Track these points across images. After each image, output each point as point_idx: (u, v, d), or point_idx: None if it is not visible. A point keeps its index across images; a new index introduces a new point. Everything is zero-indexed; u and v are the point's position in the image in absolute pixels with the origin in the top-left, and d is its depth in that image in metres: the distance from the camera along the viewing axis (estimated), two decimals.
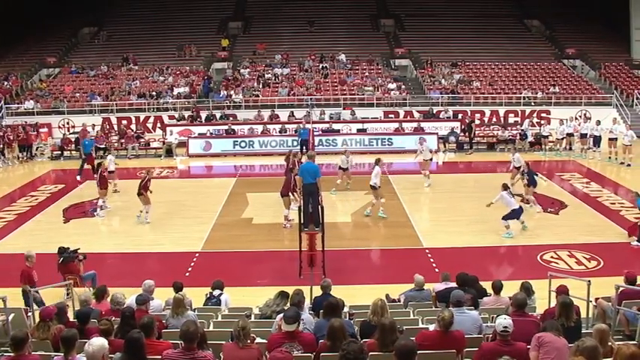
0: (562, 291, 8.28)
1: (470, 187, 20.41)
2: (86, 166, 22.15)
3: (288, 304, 8.06)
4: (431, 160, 21.21)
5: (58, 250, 11.91)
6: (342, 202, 18.61)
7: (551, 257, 13.64)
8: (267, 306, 8.53)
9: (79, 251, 12.25)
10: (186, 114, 30.18)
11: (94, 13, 42.59)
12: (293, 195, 16.44)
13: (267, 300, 8.78)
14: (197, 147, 26.72)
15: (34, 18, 39.75)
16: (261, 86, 33.96)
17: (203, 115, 29.85)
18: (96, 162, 20.47)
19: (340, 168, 19.95)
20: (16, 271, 13.12)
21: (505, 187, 15.31)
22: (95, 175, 21.32)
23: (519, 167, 18.67)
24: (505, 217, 15.03)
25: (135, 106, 31.88)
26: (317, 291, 9.62)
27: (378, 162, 17.02)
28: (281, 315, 6.96)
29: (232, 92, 32.85)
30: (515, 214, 15.08)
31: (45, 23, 40.70)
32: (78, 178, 21.58)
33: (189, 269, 13.28)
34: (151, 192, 16.59)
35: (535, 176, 17.57)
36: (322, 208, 12.71)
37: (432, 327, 7.04)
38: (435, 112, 30.15)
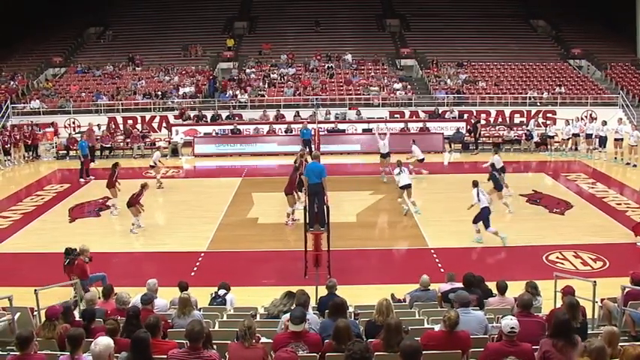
0: (568, 291, 8.26)
1: None
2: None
3: (295, 305, 8.07)
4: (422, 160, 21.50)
5: (65, 251, 11.85)
6: (348, 202, 18.58)
7: (557, 258, 13.61)
8: (274, 306, 8.53)
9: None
10: (192, 114, 30.25)
11: (100, 12, 42.78)
12: (297, 194, 16.49)
13: (273, 300, 8.78)
14: (203, 147, 26.75)
15: (40, 18, 39.95)
16: (266, 86, 34.00)
17: (208, 114, 29.91)
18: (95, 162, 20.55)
19: (381, 156, 20.47)
20: (22, 271, 13.22)
21: (475, 184, 15.17)
22: (86, 177, 21.92)
23: (501, 168, 18.53)
24: (475, 220, 14.69)
25: (140, 105, 31.96)
26: (322, 291, 9.63)
27: (400, 164, 17.46)
28: (287, 315, 6.96)
29: (238, 92, 32.91)
30: (483, 213, 14.63)
31: (51, 23, 40.88)
32: (81, 181, 21.59)
33: (195, 269, 13.30)
34: (142, 207, 16.17)
35: (498, 177, 17.31)
36: (328, 208, 12.72)
37: (437, 327, 7.04)
38: (440, 112, 30.10)
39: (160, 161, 21.18)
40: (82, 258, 11.32)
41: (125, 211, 16.21)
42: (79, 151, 22.59)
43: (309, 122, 26.83)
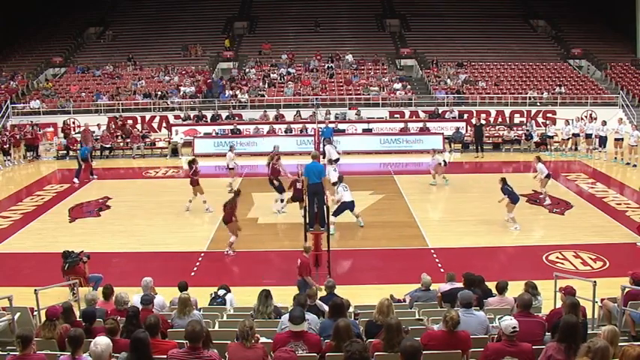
0: (569, 292, 8.25)
1: (475, 187, 20.37)
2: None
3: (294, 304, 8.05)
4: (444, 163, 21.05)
5: (63, 254, 11.70)
6: None
7: (557, 258, 13.59)
8: (258, 312, 8.43)
9: (82, 252, 12.20)
10: (192, 113, 30.24)
11: (100, 12, 42.83)
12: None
13: (253, 306, 8.72)
14: (203, 146, 26.73)
15: (40, 18, 39.96)
16: (266, 86, 34.00)
17: (208, 114, 29.92)
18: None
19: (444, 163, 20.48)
20: (22, 271, 13.17)
21: (341, 179, 16.00)
22: (90, 177, 21.98)
23: (443, 162, 20.09)
24: (335, 213, 15.20)
25: (140, 105, 31.97)
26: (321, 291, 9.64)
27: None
28: (287, 316, 6.95)
29: (238, 92, 32.92)
30: (348, 206, 15.40)
31: (51, 23, 40.94)
32: (75, 181, 21.39)
33: (195, 269, 13.30)
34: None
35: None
36: (327, 208, 12.73)
37: (437, 327, 7.04)
38: (440, 112, 30.11)
39: (234, 162, 21.01)
40: (306, 255, 11.22)
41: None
42: (77, 153, 22.34)
43: (329, 122, 26.88)
